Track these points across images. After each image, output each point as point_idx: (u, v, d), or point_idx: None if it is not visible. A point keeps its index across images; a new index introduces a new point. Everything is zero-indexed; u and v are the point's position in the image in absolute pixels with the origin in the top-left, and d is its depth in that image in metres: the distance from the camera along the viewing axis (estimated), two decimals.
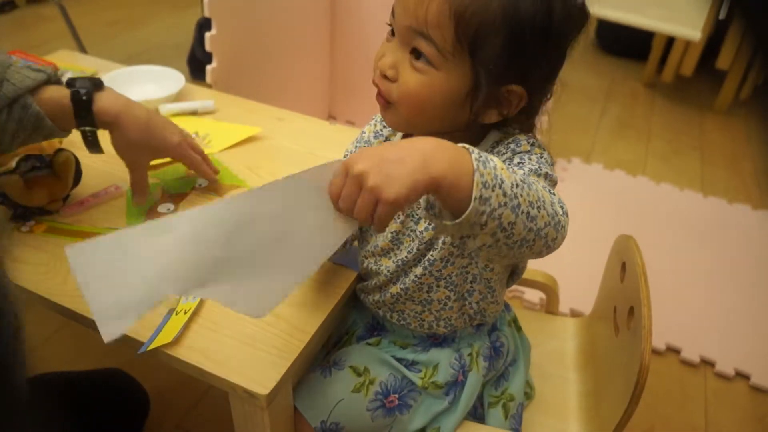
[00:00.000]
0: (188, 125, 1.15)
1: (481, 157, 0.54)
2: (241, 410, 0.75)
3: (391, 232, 0.78)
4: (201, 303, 0.77)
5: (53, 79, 0.84)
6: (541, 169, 0.66)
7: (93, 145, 0.88)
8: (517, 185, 0.55)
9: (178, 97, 1.22)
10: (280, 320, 0.76)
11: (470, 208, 0.52)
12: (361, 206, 0.54)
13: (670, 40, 2.73)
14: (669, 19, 2.51)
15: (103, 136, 0.88)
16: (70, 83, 0.83)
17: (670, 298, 1.68)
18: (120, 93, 0.88)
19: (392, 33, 0.68)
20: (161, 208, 0.93)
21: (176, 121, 1.16)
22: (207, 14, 1.32)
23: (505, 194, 0.53)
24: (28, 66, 0.82)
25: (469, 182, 0.52)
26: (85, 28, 2.53)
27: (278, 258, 0.57)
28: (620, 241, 0.93)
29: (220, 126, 1.16)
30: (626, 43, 3.05)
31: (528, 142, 0.70)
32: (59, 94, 0.82)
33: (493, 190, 0.53)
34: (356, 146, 0.85)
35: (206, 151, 1.08)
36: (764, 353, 1.55)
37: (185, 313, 0.75)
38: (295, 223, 0.57)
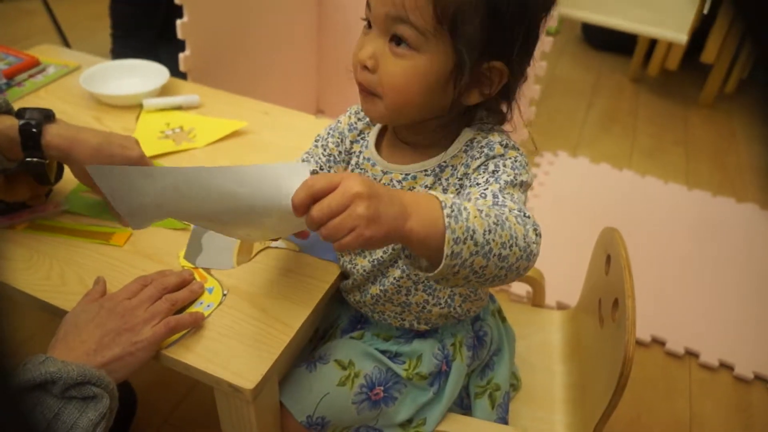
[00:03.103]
0: (173, 120, 1.15)
1: (453, 211, 0.54)
2: (226, 405, 0.75)
3: None
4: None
5: (4, 109, 0.82)
6: (516, 179, 0.66)
7: (41, 178, 0.85)
8: (490, 231, 0.55)
9: (162, 91, 1.21)
10: (265, 315, 0.76)
11: (442, 264, 0.53)
12: (339, 227, 0.51)
13: None
14: (654, 22, 2.50)
15: None
16: (20, 114, 0.81)
17: (655, 291, 1.70)
18: (70, 123, 0.85)
19: (368, 26, 0.68)
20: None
21: (161, 115, 1.16)
22: (177, 0, 1.29)
23: (476, 243, 0.54)
24: None
25: (440, 237, 0.53)
26: (68, 22, 2.50)
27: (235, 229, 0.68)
28: (605, 234, 0.94)
29: (205, 120, 1.15)
30: (612, 38, 3.06)
31: (501, 145, 0.69)
32: (7, 124, 0.80)
33: (464, 243, 0.54)
34: (329, 133, 0.84)
35: (191, 146, 1.08)
36: (748, 344, 1.57)
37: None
38: (252, 211, 0.61)
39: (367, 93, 0.69)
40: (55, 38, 2.37)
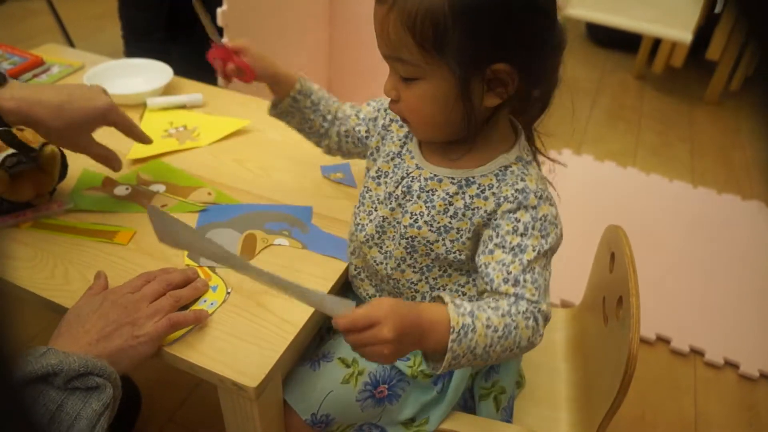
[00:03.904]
0: (176, 119, 1.15)
1: (459, 335, 0.61)
2: (230, 403, 0.75)
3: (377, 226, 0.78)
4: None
5: None
6: (542, 248, 0.68)
7: (19, 147, 0.82)
8: (491, 345, 0.62)
9: (166, 90, 1.21)
10: (269, 313, 0.76)
11: (440, 370, 0.63)
12: (366, 353, 0.61)
13: None
14: (658, 21, 2.49)
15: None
16: None
17: (660, 288, 1.69)
18: (24, 84, 0.81)
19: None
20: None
21: (164, 114, 1.16)
22: None
23: (475, 356, 0.62)
24: None
25: (444, 351, 0.61)
26: (72, 22, 2.51)
27: None
28: (609, 231, 0.94)
29: (208, 119, 1.15)
30: (616, 35, 3.05)
31: (536, 195, 0.70)
32: None
33: (463, 357, 0.62)
34: (370, 102, 0.90)
35: (194, 145, 1.08)
36: (753, 342, 1.57)
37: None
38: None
39: (402, 119, 0.75)
40: (59, 38, 2.37)
